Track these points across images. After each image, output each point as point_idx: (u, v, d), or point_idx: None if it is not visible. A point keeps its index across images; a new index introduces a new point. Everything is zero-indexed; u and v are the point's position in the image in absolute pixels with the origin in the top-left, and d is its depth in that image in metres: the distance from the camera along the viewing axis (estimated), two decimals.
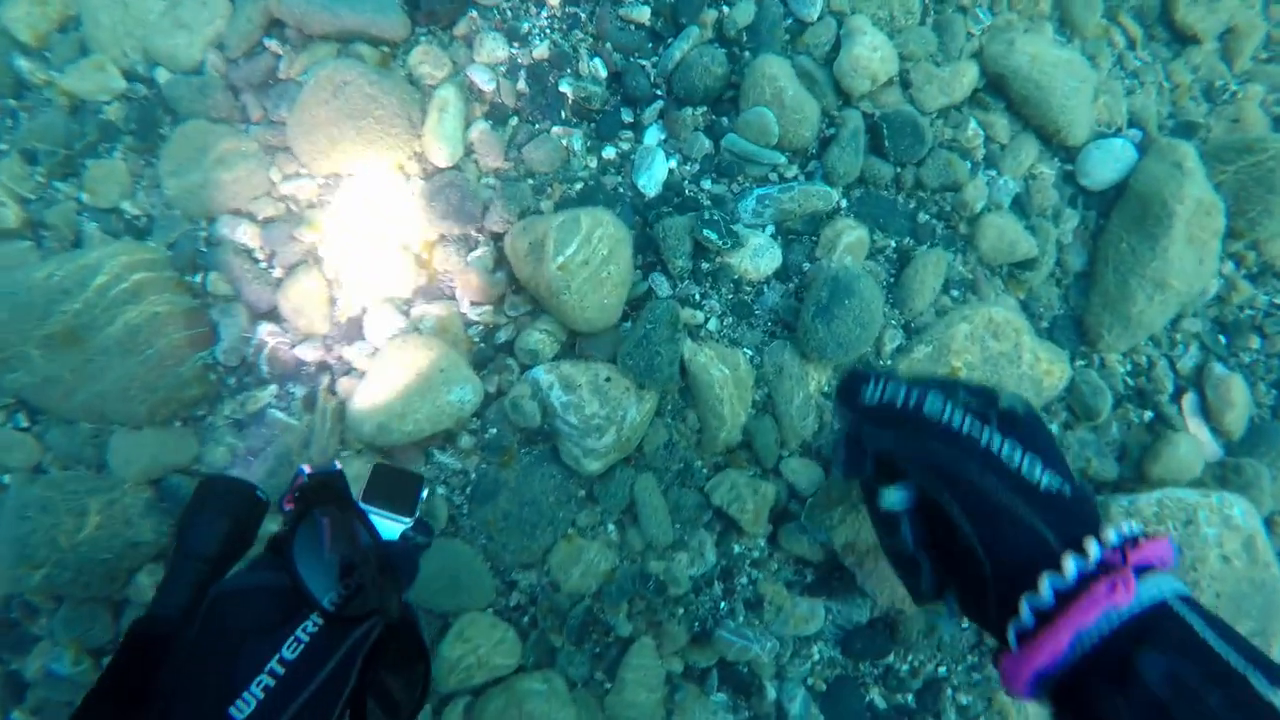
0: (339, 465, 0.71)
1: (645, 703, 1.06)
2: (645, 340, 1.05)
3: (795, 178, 1.14)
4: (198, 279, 1.14)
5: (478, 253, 1.12)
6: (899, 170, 1.14)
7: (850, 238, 1.11)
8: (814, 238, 1.13)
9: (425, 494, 0.79)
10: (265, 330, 1.11)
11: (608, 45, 1.17)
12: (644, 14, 1.17)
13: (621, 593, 1.07)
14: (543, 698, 1.03)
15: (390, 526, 0.73)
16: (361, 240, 1.13)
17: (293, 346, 1.12)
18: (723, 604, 1.10)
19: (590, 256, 1.03)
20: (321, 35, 1.15)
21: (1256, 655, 0.41)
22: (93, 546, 1.04)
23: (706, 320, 1.10)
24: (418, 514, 0.75)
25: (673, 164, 1.14)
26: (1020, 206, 1.15)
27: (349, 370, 1.11)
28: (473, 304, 1.11)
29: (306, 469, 0.68)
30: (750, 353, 1.11)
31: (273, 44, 1.16)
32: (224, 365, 1.12)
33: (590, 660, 1.07)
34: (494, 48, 1.16)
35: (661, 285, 1.10)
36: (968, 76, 1.14)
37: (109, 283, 1.04)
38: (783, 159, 1.14)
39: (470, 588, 1.06)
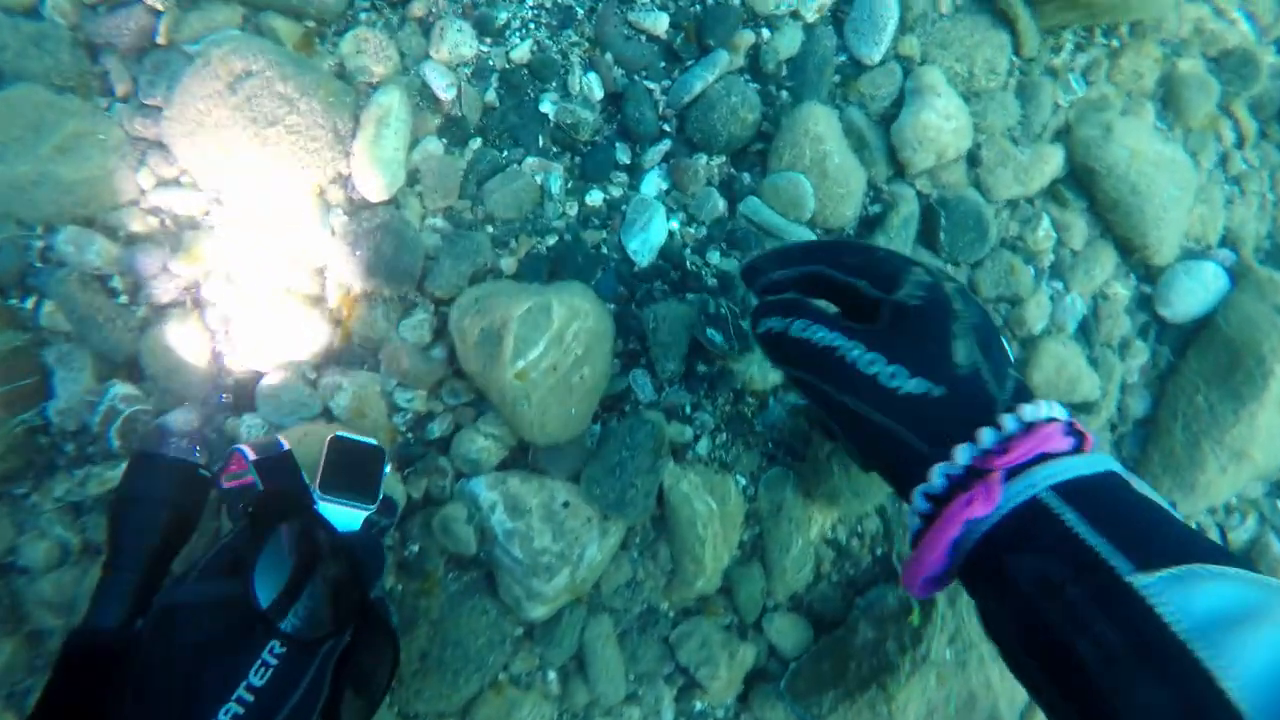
0: (285, 443, 0.66)
1: None
2: (619, 468, 0.82)
3: None
4: (27, 304, 0.85)
5: (412, 320, 0.86)
6: (952, 270, 0.92)
7: None
8: None
9: (388, 469, 0.72)
10: (120, 393, 0.84)
11: (608, 56, 0.90)
12: (660, 24, 0.89)
13: None
14: None
15: (352, 515, 0.66)
16: (259, 282, 0.85)
17: (157, 416, 0.85)
18: None
19: (560, 360, 0.79)
20: None
21: (1142, 535, 0.40)
22: None
23: (696, 440, 0.88)
24: (381, 496, 0.68)
25: (674, 224, 0.90)
26: (1085, 332, 0.96)
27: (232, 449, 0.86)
28: (400, 385, 0.86)
29: (249, 451, 0.64)
30: (744, 481, 0.90)
31: None
32: (58, 429, 0.84)
33: None
34: (459, 41, 0.87)
35: (645, 387, 0.87)
36: (1050, 164, 0.92)
37: None
38: (813, 238, 0.90)
39: None
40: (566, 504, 0.85)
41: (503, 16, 0.89)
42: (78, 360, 0.84)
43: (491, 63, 0.89)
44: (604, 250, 0.89)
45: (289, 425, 0.86)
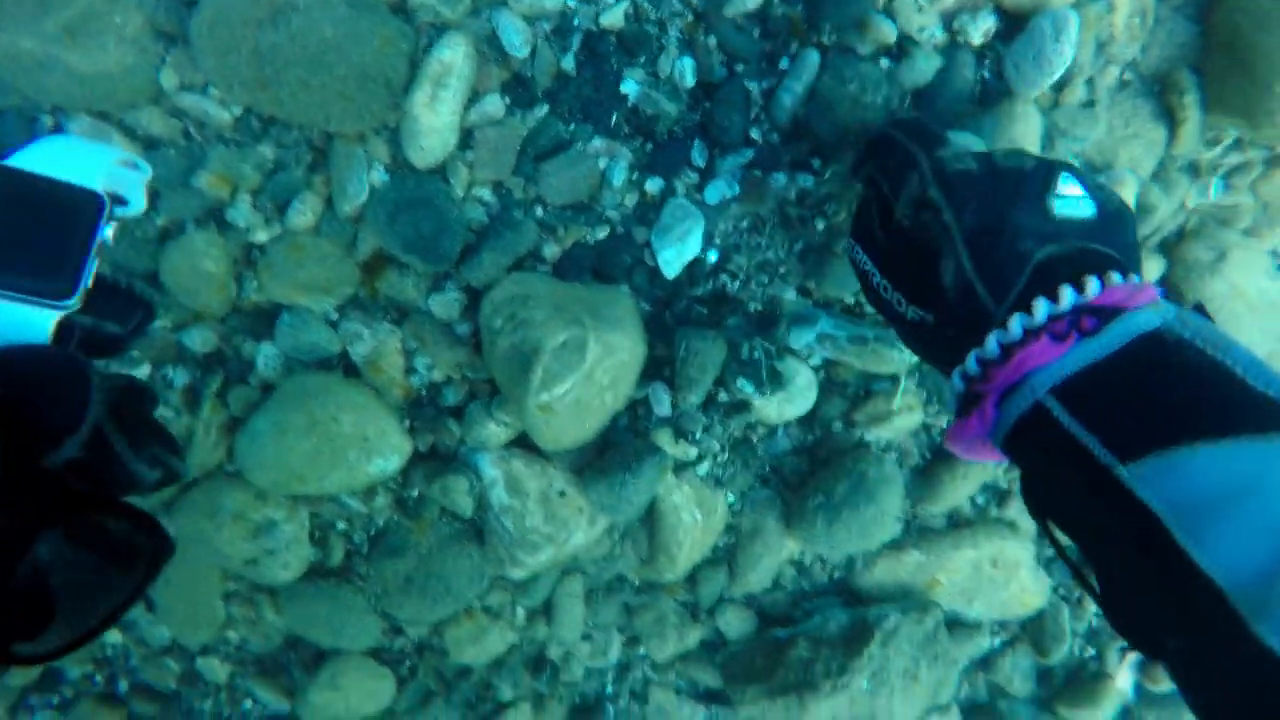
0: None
1: None
2: (619, 485, 0.85)
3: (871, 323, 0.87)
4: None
5: (443, 297, 0.82)
6: None
7: (905, 422, 0.89)
8: (863, 391, 0.90)
9: (107, 233, 0.45)
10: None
11: (712, 40, 0.77)
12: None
13: (512, 673, 1.02)
14: None
15: (28, 316, 0.40)
16: (286, 218, 0.80)
17: (176, 330, 0.85)
18: (609, 688, 1.08)
19: (585, 393, 0.78)
20: None
21: (1130, 421, 0.42)
22: None
23: (698, 461, 0.90)
24: (84, 286, 0.42)
25: (713, 256, 0.83)
26: None
27: (245, 374, 0.86)
28: (420, 350, 0.85)
29: None
30: (733, 499, 0.94)
31: None
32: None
33: (464, 709, 1.05)
34: None
35: (662, 403, 0.87)
36: (1146, 274, 0.84)
37: None
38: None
39: (354, 632, 0.97)
40: (562, 493, 0.89)
41: None
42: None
43: (577, 22, 0.76)
44: (650, 255, 0.84)
45: (305, 362, 0.86)
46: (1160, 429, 0.40)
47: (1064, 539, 0.48)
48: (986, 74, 0.78)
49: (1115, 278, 0.46)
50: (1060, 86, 0.77)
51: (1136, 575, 0.41)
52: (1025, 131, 0.75)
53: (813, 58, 0.76)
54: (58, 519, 0.38)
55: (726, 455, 0.91)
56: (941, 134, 0.61)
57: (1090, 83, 0.78)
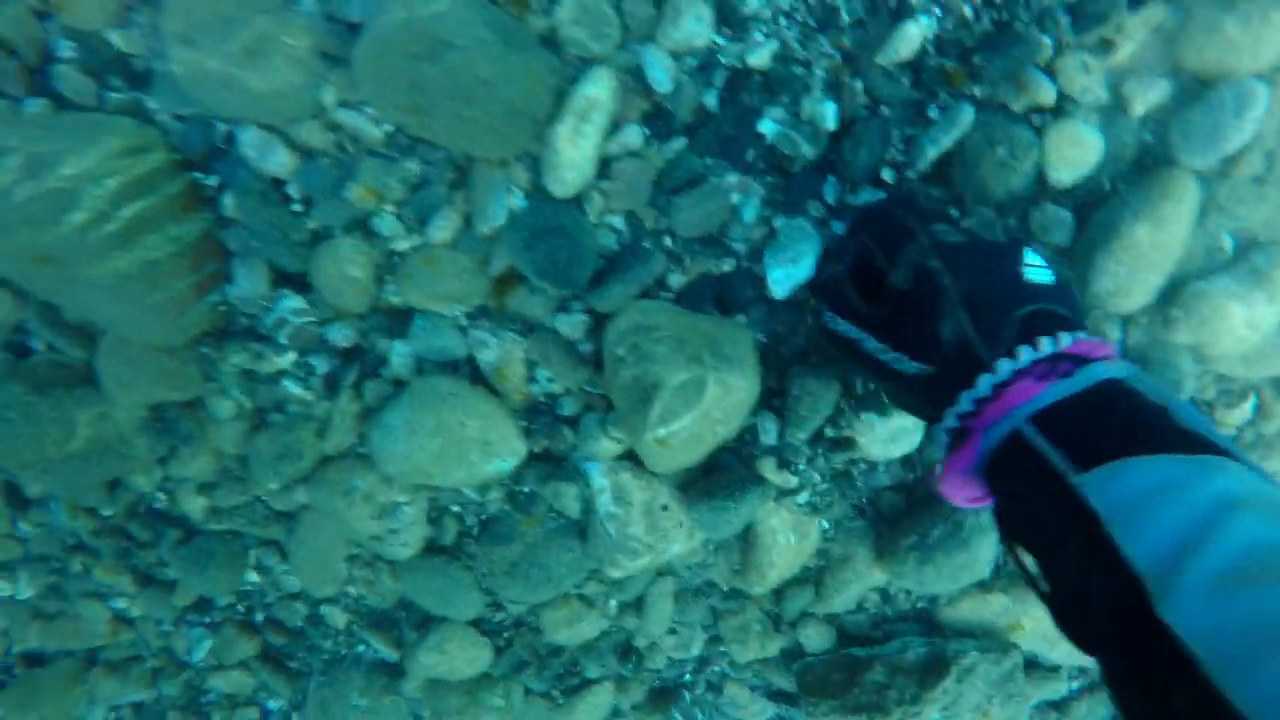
0: None
1: None
2: (722, 510, 0.89)
3: None
4: (212, 182, 0.85)
5: (569, 319, 0.85)
6: None
7: None
8: None
9: None
10: (290, 306, 0.89)
11: (858, 84, 0.75)
12: (911, 44, 0.73)
13: (600, 656, 1.09)
14: (498, 714, 1.11)
15: None
16: (431, 230, 0.84)
17: (320, 325, 0.91)
18: (688, 677, 1.14)
19: (699, 429, 0.81)
20: None
21: (1091, 441, 0.49)
22: (83, 459, 0.96)
23: (798, 490, 0.92)
24: None
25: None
26: None
27: (380, 369, 0.92)
28: (542, 364, 0.89)
29: None
30: (827, 526, 0.96)
31: None
32: (235, 307, 0.91)
33: (552, 681, 1.14)
34: (694, 30, 0.73)
35: (770, 432, 0.89)
36: None
37: (89, 222, 0.78)
38: None
39: (460, 605, 1.05)
40: (665, 507, 0.93)
41: (753, 4, 0.73)
42: (254, 262, 0.87)
43: (723, 59, 0.75)
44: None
45: (435, 363, 0.91)
46: (1109, 448, 0.48)
47: (1029, 561, 0.55)
48: (1149, 136, 0.74)
49: (1080, 334, 0.56)
50: (1232, 158, 0.72)
51: (1080, 574, 0.47)
52: (1179, 209, 0.71)
53: (968, 114, 0.73)
54: None
55: (826, 485, 0.93)
56: (933, 209, 0.73)
57: (1271, 156, 0.72)
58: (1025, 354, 0.55)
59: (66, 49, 0.81)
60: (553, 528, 0.99)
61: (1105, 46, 0.71)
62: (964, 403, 0.57)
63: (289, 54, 0.76)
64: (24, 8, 0.79)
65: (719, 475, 0.90)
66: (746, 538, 0.96)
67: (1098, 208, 0.75)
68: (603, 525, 0.94)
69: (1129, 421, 0.50)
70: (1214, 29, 0.67)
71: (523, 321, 0.88)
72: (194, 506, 1.06)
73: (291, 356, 0.93)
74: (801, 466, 0.90)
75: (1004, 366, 0.55)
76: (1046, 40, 0.71)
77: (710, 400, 0.79)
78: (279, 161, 0.82)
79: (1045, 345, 0.55)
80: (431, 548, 1.02)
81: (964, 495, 0.62)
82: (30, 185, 0.76)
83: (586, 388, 0.90)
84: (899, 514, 0.95)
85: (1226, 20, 0.66)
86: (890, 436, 0.87)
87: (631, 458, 0.92)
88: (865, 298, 0.67)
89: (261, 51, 0.76)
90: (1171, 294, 0.77)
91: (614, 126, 0.78)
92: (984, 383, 0.56)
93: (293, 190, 0.84)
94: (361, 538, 1.00)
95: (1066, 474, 0.48)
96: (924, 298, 0.60)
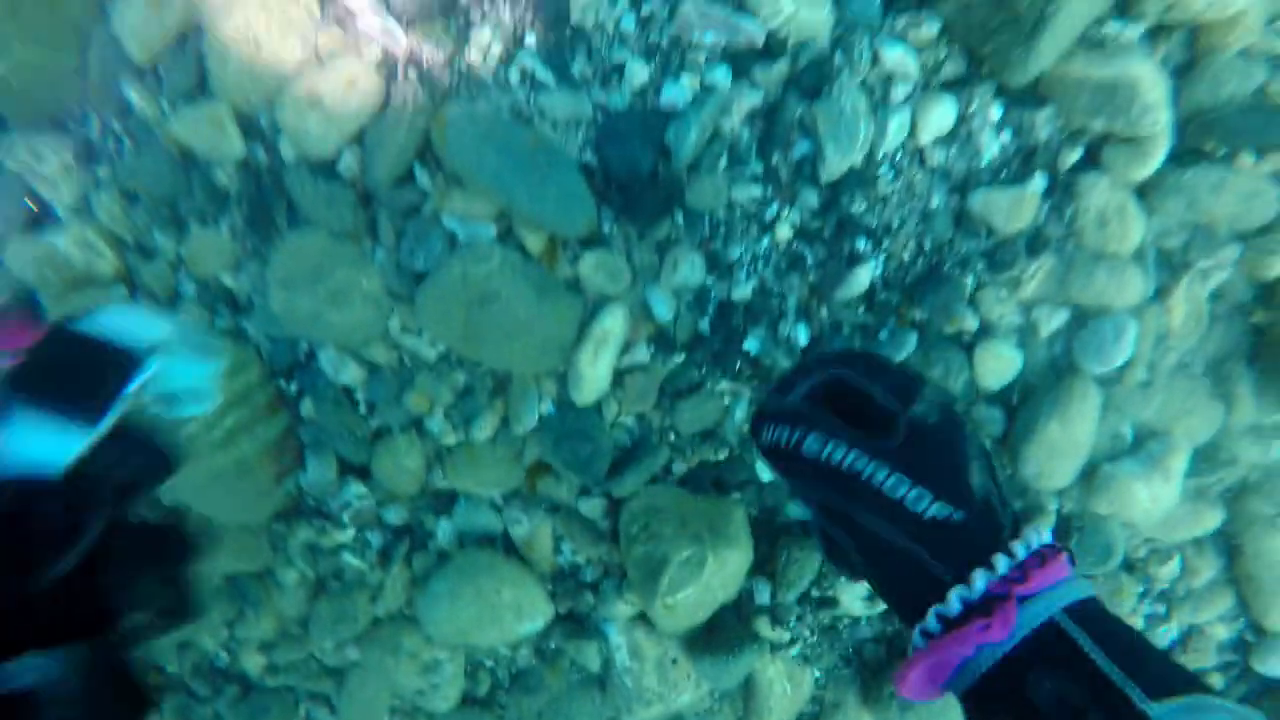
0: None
1: None
2: (724, 664, 1.02)
3: None
4: (293, 389, 1.04)
5: (589, 502, 1.02)
6: None
7: None
8: None
9: (146, 377, 0.47)
10: (355, 492, 1.05)
11: (824, 311, 0.94)
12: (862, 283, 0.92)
13: None
14: None
15: (56, 440, 0.43)
16: (474, 430, 1.01)
17: (378, 505, 1.07)
18: None
19: (701, 596, 0.95)
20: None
21: (1140, 662, 0.42)
22: None
23: (791, 644, 1.05)
24: (107, 420, 0.44)
25: None
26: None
27: (427, 541, 1.08)
28: (567, 538, 1.05)
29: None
30: (819, 675, 1.09)
31: (422, 177, 0.91)
32: (306, 491, 1.07)
33: None
34: (689, 272, 0.92)
35: (762, 594, 1.03)
36: (1203, 523, 0.95)
37: (200, 431, 0.96)
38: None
39: None
40: (675, 661, 1.06)
41: (736, 253, 0.92)
42: (325, 454, 1.04)
43: (713, 294, 0.94)
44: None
45: (474, 537, 1.07)
46: (1162, 672, 0.42)
47: None
48: (1058, 349, 0.92)
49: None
50: (1124, 368, 0.90)
51: None
52: (1083, 408, 0.88)
53: (911, 339, 0.92)
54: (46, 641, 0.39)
55: (815, 639, 1.06)
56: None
57: (1152, 366, 0.90)
58: (1045, 535, 0.47)
59: (189, 288, 1.01)
60: (576, 680, 1.12)
61: (1014, 284, 0.90)
62: (1001, 566, 0.46)
63: (365, 295, 0.96)
64: (164, 263, 1.00)
65: (720, 633, 1.04)
66: (747, 687, 1.08)
67: (1020, 407, 0.93)
68: (620, 677, 1.07)
69: (1146, 644, 0.44)
70: (1090, 276, 0.86)
71: (550, 503, 1.04)
72: (253, 664, 1.18)
73: (351, 533, 1.08)
74: (793, 623, 1.04)
75: (1034, 538, 0.47)
76: (969, 279, 0.91)
77: (709, 572, 0.94)
78: (350, 374, 1.00)
79: (1049, 536, 0.47)
80: (467, 699, 1.14)
81: (929, 692, 0.50)
82: None
83: (605, 559, 1.05)
84: (881, 664, 1.07)
85: (1098, 270, 0.85)
86: (868, 595, 1.02)
87: (644, 619, 1.06)
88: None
89: (343, 294, 0.95)
90: (1089, 474, 0.93)
91: (626, 346, 0.96)
92: (1021, 549, 0.46)
93: (360, 396, 1.02)
94: (405, 691, 1.12)
95: (1134, 698, 0.40)
96: (951, 435, 0.50)
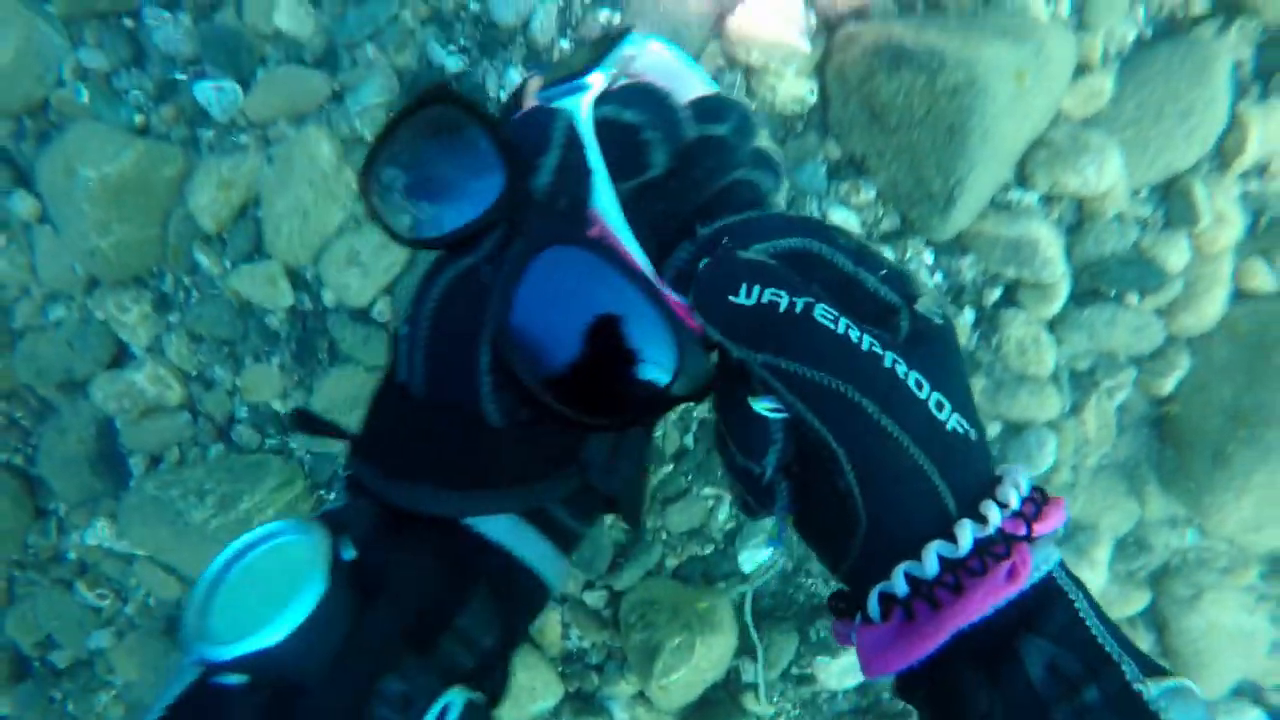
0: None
1: None
2: None
3: None
4: (332, 496, 1.19)
5: (593, 594, 1.16)
6: None
7: None
8: None
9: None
10: None
11: None
12: None
13: None
14: None
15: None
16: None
17: None
18: None
19: (692, 677, 1.09)
20: None
21: (1122, 636, 0.36)
22: None
23: (776, 717, 1.18)
24: (610, 66, 0.37)
25: (784, 557, 1.13)
26: None
27: None
28: (573, 626, 1.18)
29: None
30: None
31: None
32: None
33: None
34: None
35: (748, 671, 1.17)
36: (1131, 606, 1.09)
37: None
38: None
39: None
40: None
41: None
42: None
43: (695, 414, 1.10)
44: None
45: None
46: (1136, 650, 0.36)
47: None
48: (994, 454, 1.07)
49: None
50: (1049, 472, 1.04)
51: None
52: None
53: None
54: None
55: (798, 712, 1.19)
56: None
57: (1075, 469, 1.05)
58: (1021, 476, 0.39)
59: (243, 412, 1.18)
60: None
61: None
62: (1014, 500, 0.37)
63: None
64: (223, 392, 1.16)
65: (711, 708, 1.16)
66: None
67: None
68: None
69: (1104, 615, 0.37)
70: (1015, 395, 1.01)
71: (565, 595, 1.18)
72: None
73: None
74: (776, 698, 1.17)
75: (1023, 480, 0.38)
76: None
77: (698, 656, 1.07)
78: None
79: (1021, 473, 0.39)
80: None
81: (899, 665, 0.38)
82: (220, 518, 1.09)
83: (608, 643, 1.18)
84: None
85: (1021, 390, 1.01)
86: (842, 671, 1.15)
87: (644, 696, 1.19)
88: None
89: None
90: None
91: None
92: (1025, 483, 0.38)
93: None
94: None
95: (1129, 675, 0.34)
96: (955, 345, 0.41)
